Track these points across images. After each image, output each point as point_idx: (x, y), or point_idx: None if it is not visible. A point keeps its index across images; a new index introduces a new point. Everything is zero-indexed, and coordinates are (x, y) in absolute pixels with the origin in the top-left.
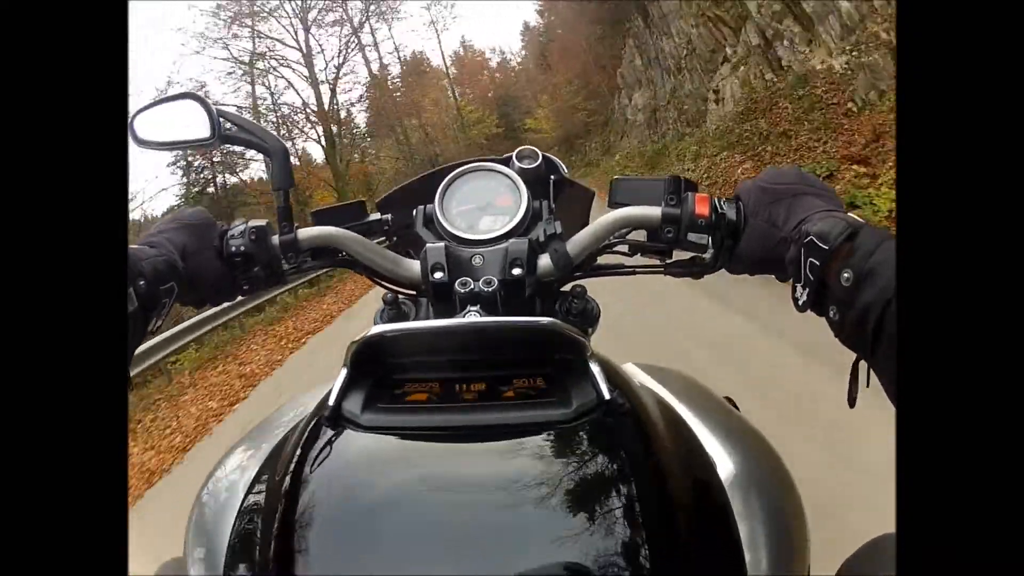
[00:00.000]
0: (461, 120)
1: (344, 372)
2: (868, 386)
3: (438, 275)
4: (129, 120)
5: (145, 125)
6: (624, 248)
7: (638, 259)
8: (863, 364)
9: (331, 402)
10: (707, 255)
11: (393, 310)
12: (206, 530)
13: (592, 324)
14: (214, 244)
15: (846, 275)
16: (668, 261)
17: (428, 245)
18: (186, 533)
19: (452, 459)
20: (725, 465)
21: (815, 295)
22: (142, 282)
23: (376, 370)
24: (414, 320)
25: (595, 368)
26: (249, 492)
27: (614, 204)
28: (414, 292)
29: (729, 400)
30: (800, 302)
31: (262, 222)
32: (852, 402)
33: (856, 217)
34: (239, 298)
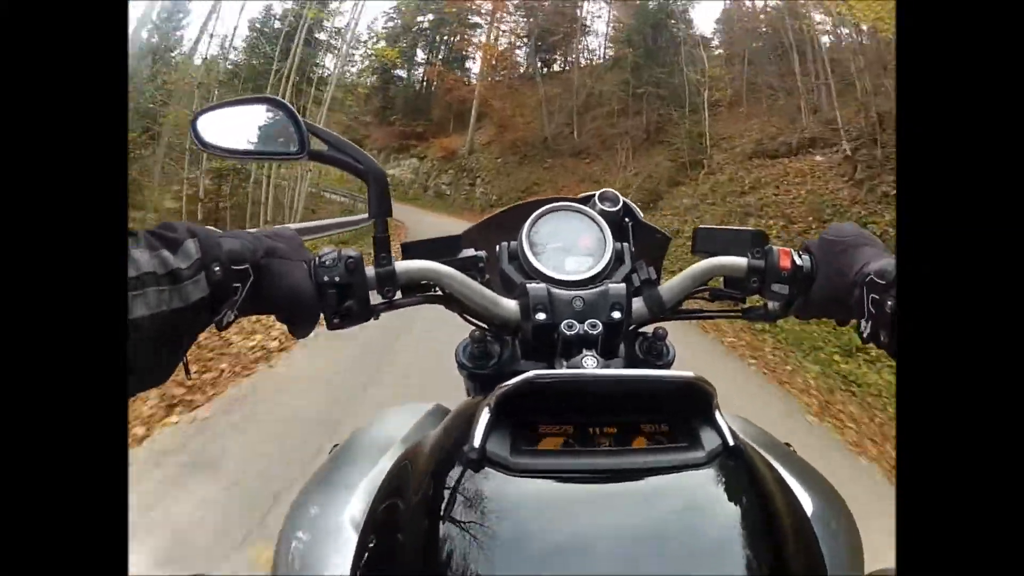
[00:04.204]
0: None
1: (487, 414)
2: None
3: (541, 316)
4: (191, 119)
5: (212, 127)
6: (705, 294)
7: (715, 304)
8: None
9: (476, 443)
10: (780, 301)
11: (480, 347)
12: (315, 561)
13: (668, 366)
14: (303, 262)
15: (890, 303)
16: (743, 307)
17: (529, 285)
18: (279, 556)
19: (609, 501)
20: (806, 505)
21: (875, 325)
22: (216, 267)
23: (516, 413)
24: (500, 357)
25: (720, 417)
26: (378, 523)
27: (698, 252)
28: (491, 327)
29: (787, 445)
30: (865, 335)
31: (354, 252)
32: None
33: None
34: (314, 329)
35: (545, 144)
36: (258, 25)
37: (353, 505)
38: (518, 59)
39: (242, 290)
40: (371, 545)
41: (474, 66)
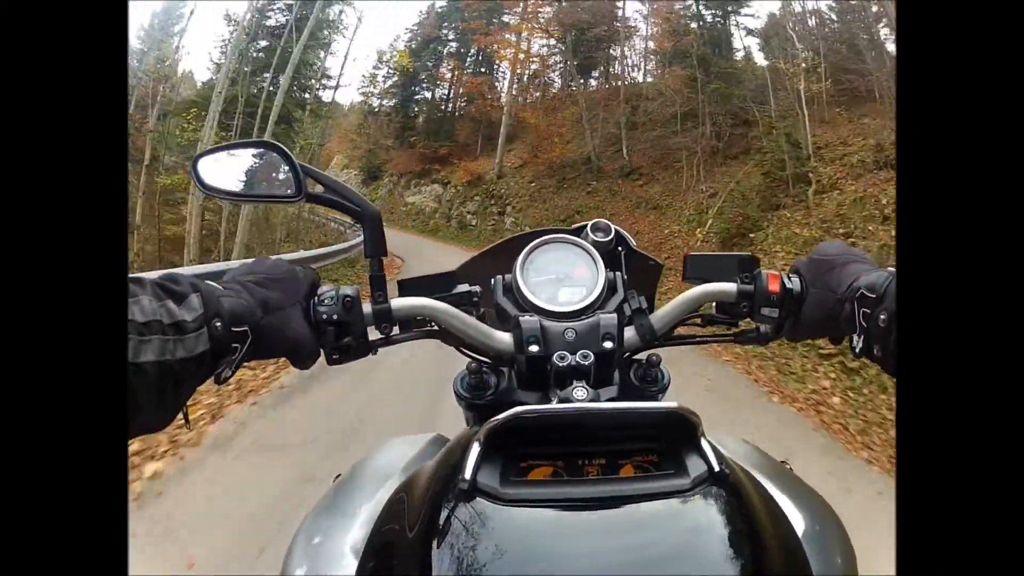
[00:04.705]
0: None
1: (477, 447)
2: None
3: (533, 348)
4: (192, 162)
5: (212, 169)
6: (697, 320)
7: (708, 328)
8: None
9: (467, 475)
10: (771, 324)
11: (476, 378)
12: None
13: (663, 391)
14: (300, 303)
15: (882, 317)
16: (734, 330)
17: (522, 318)
18: None
19: (595, 528)
20: (798, 524)
21: (868, 340)
22: (218, 323)
23: (506, 446)
24: (497, 388)
25: (705, 444)
26: (376, 550)
27: (689, 279)
28: (488, 359)
29: (784, 463)
30: (857, 349)
31: (351, 290)
32: None
33: (892, 269)
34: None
35: (588, 164)
36: (246, 24)
37: (354, 533)
38: (552, 68)
39: (241, 350)
40: (370, 572)
41: (503, 81)
